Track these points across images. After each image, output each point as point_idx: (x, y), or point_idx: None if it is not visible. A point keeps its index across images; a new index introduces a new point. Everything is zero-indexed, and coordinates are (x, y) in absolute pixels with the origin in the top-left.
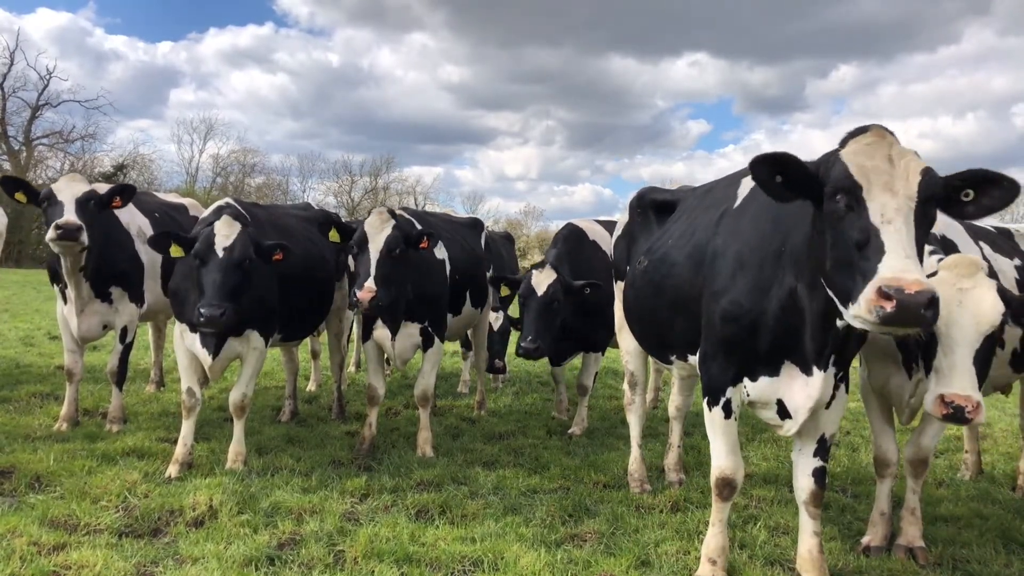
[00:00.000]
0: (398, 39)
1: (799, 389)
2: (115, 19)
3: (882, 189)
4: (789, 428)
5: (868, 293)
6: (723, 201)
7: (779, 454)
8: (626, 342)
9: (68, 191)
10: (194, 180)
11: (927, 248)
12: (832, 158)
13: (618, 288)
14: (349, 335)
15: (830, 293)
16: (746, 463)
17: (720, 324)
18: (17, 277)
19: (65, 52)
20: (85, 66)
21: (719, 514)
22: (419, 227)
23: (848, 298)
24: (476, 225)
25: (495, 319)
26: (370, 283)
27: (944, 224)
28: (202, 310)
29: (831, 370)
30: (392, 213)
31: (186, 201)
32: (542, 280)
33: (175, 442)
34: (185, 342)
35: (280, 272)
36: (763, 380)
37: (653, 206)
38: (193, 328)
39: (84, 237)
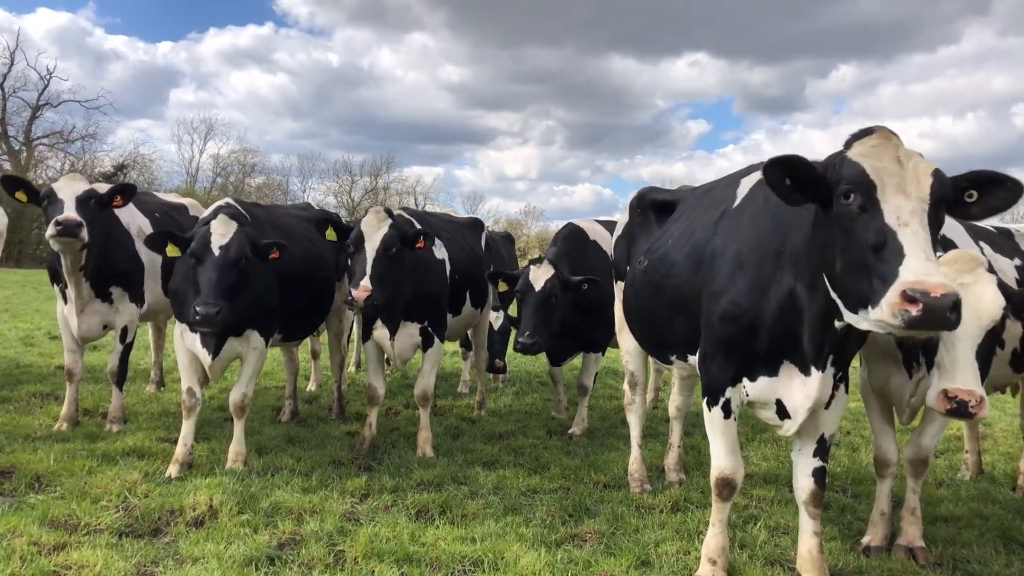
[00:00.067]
0: (398, 39)
1: (797, 389)
2: (115, 19)
3: (895, 191)
4: (788, 428)
5: (892, 297)
6: (722, 201)
7: (779, 454)
8: (626, 342)
9: (68, 189)
10: (194, 180)
11: None
12: (839, 159)
13: (618, 288)
14: (349, 335)
15: (833, 295)
16: (746, 463)
17: (719, 324)
18: (17, 277)
19: (65, 52)
20: (85, 66)
21: (719, 514)
22: (417, 227)
23: (864, 302)
24: (476, 225)
25: (495, 319)
26: (365, 282)
27: (944, 224)
28: (198, 308)
29: (830, 370)
30: (389, 212)
31: (186, 201)
32: (540, 275)
33: (175, 442)
34: (185, 342)
35: (280, 272)
36: (762, 380)
37: (653, 206)
38: (193, 328)
39: (84, 233)
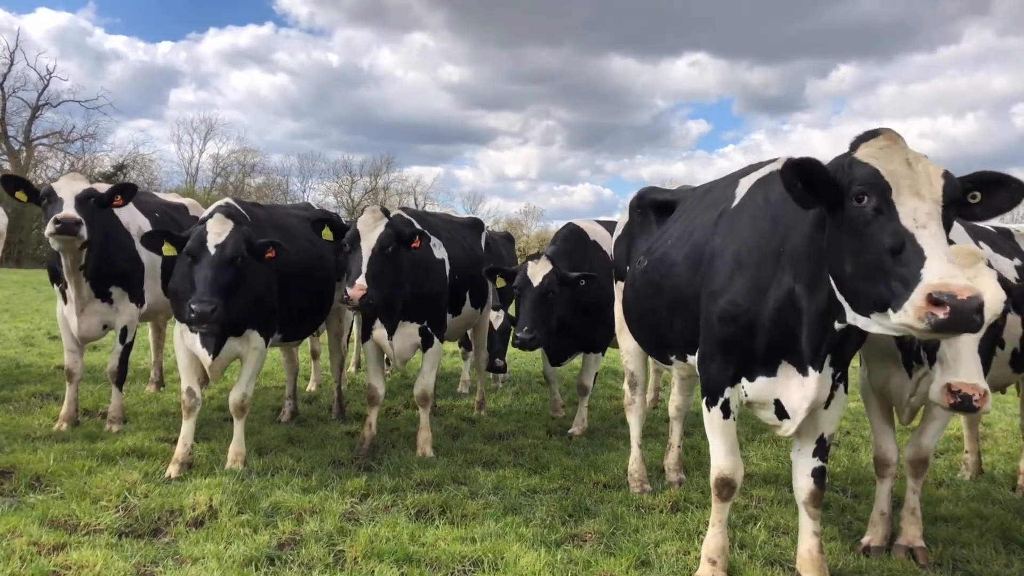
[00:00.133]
0: (398, 39)
1: (795, 389)
2: (115, 19)
3: (910, 193)
4: (787, 428)
5: (917, 300)
6: (722, 201)
7: (779, 454)
8: (626, 342)
9: (68, 188)
10: (194, 180)
11: None
12: (848, 161)
13: (618, 288)
14: (349, 335)
15: (840, 298)
16: (746, 463)
17: (718, 324)
18: (17, 277)
19: (65, 52)
20: (85, 66)
21: (719, 514)
22: (415, 226)
23: (881, 305)
24: (476, 225)
25: (495, 318)
26: (361, 281)
27: None
28: (192, 306)
29: (828, 370)
30: (385, 212)
31: (186, 201)
32: (537, 271)
33: (175, 442)
34: (185, 342)
35: (280, 272)
36: (761, 380)
37: (653, 206)
38: (191, 327)
39: (83, 231)
